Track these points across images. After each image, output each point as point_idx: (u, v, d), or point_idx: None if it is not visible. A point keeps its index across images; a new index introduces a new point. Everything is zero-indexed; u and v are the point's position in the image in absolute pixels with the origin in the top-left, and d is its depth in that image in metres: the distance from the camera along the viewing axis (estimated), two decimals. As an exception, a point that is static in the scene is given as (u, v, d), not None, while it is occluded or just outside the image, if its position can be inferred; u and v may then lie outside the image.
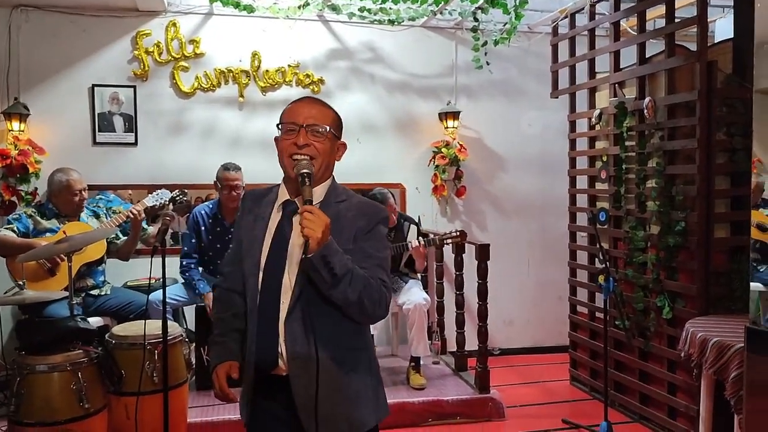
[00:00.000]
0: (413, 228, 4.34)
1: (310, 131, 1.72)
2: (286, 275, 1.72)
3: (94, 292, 3.95)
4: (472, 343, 4.29)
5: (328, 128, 1.75)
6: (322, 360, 1.66)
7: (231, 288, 1.89)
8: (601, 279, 3.47)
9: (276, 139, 1.82)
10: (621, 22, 4.15)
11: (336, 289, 1.63)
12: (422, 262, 4.26)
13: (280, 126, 1.78)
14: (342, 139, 1.84)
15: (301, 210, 1.59)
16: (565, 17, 4.63)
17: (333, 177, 1.85)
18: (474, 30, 4.83)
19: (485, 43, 4.85)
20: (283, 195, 1.81)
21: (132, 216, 3.85)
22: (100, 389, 2.78)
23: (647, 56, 3.85)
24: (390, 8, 4.77)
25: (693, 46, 3.49)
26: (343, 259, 1.63)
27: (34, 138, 4.49)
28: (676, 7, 3.66)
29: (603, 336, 3.70)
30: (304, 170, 1.68)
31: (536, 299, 5.48)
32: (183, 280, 4.14)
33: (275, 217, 1.79)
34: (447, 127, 5.13)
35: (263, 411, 1.80)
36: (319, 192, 1.77)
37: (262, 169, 4.79)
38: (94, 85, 4.64)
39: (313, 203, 1.66)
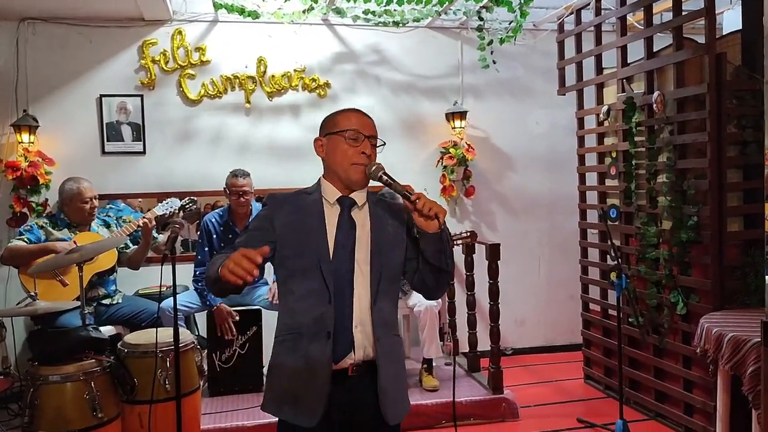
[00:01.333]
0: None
1: (370, 142, 1.89)
2: (356, 265, 1.83)
3: (106, 301, 3.96)
4: (484, 344, 4.27)
5: (381, 141, 1.94)
6: (393, 343, 1.88)
7: None
8: (613, 276, 3.44)
9: (318, 140, 1.94)
10: (627, 17, 4.12)
11: (448, 256, 1.83)
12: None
13: (336, 132, 1.88)
14: None
15: (414, 197, 1.75)
16: (571, 13, 4.61)
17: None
18: (479, 29, 4.81)
19: (491, 42, 4.83)
20: (333, 192, 1.90)
21: (143, 225, 3.87)
22: (113, 398, 2.79)
23: (655, 50, 3.82)
24: (394, 10, 4.77)
25: (701, 39, 3.45)
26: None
27: (44, 149, 4.52)
28: (683, -1, 3.63)
29: (616, 333, 3.66)
30: (381, 171, 1.86)
31: (548, 298, 5.45)
32: (194, 288, 4.14)
33: (331, 213, 1.88)
34: (454, 128, 5.12)
35: (327, 409, 1.78)
36: (362, 195, 1.93)
37: (271, 174, 4.83)
38: (101, 95, 4.67)
39: (360, 204, 1.90)
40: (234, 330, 3.94)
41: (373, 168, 1.85)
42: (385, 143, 1.94)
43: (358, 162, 1.85)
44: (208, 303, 3.99)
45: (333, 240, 1.84)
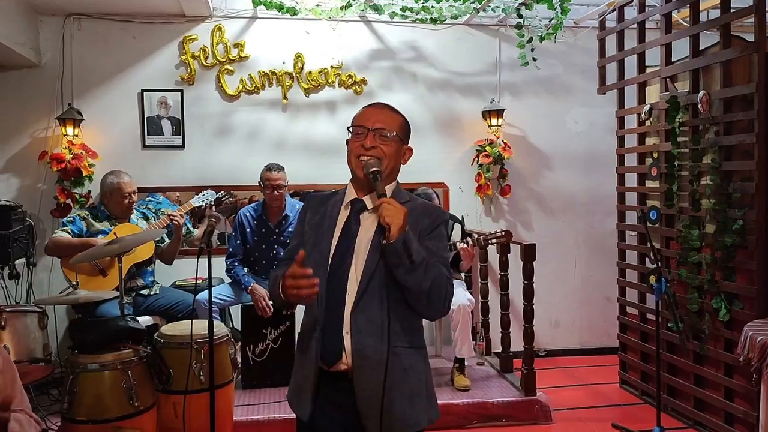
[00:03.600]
0: (457, 227, 4.29)
1: (378, 135, 1.81)
2: (352, 269, 1.78)
3: (144, 291, 4.05)
4: (517, 344, 4.22)
5: (394, 133, 1.83)
6: (385, 354, 1.71)
7: None
8: (652, 279, 3.36)
9: (347, 142, 1.90)
10: (672, 14, 4.01)
11: (412, 275, 1.69)
12: (469, 262, 4.19)
13: (350, 129, 1.86)
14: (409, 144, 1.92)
15: (379, 202, 1.69)
16: (613, 10, 4.50)
17: (397, 180, 1.92)
18: (518, 27, 4.75)
19: (530, 40, 4.76)
20: (351, 194, 1.88)
21: (174, 220, 3.95)
22: (149, 388, 2.84)
23: (701, 48, 3.71)
24: (432, 7, 4.73)
25: (750, 37, 3.34)
26: (419, 248, 1.71)
27: (87, 142, 4.64)
28: (731, -4, 3.51)
29: (655, 338, 3.58)
30: (373, 168, 1.77)
31: (583, 300, 5.36)
32: (229, 279, 4.20)
33: (343, 215, 1.86)
34: (491, 126, 5.06)
35: (322, 408, 1.80)
36: (386, 192, 1.83)
37: (306, 170, 4.86)
38: (143, 90, 4.76)
39: (370, 207, 1.81)
40: (271, 308, 3.95)
41: (369, 162, 1.78)
42: (395, 135, 1.82)
43: (358, 154, 1.81)
44: (243, 286, 4.05)
45: (335, 244, 1.82)
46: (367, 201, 1.84)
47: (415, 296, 1.74)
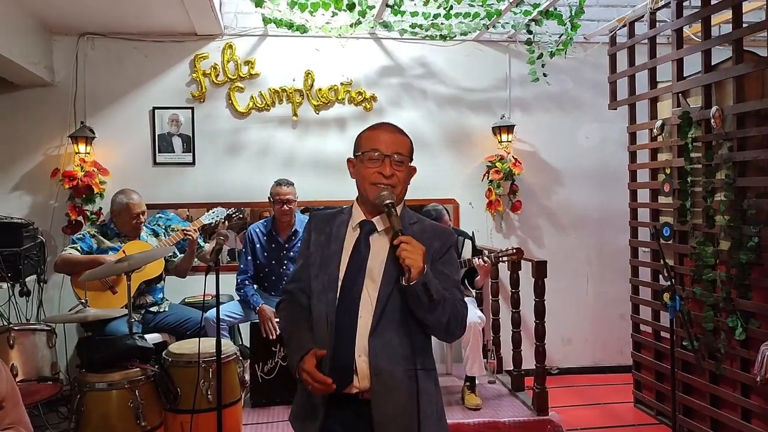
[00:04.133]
0: (468, 243, 4.25)
1: (394, 161, 1.79)
2: (365, 292, 1.77)
3: (153, 309, 4.04)
4: (529, 362, 4.15)
5: (407, 157, 1.84)
6: (401, 378, 1.73)
7: (298, 302, 1.91)
8: (666, 297, 3.30)
9: (349, 161, 1.89)
10: (684, 29, 3.99)
11: (432, 313, 1.71)
12: (485, 278, 4.15)
13: (360, 153, 1.83)
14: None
15: (397, 241, 1.66)
16: (624, 26, 4.48)
17: (404, 200, 1.90)
18: (528, 43, 4.74)
19: (540, 56, 4.75)
20: (359, 215, 1.86)
21: (188, 235, 3.95)
22: (157, 407, 2.83)
23: (713, 63, 3.68)
24: (441, 24, 4.73)
25: (762, 52, 3.31)
26: (438, 285, 1.71)
27: (99, 160, 4.67)
28: (743, 11, 3.48)
29: (670, 357, 3.51)
30: (388, 201, 1.75)
31: (595, 317, 5.29)
32: (238, 297, 4.19)
33: (351, 236, 1.84)
34: (501, 141, 5.04)
35: (330, 430, 1.79)
36: (402, 229, 1.81)
37: (316, 186, 4.86)
38: (154, 108, 4.80)
39: (381, 228, 1.81)
40: (277, 330, 3.93)
41: (383, 194, 1.76)
42: (413, 165, 1.86)
43: (376, 182, 1.79)
44: (251, 306, 4.02)
45: (345, 266, 1.80)
46: (377, 223, 1.83)
47: (433, 328, 1.77)
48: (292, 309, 1.92)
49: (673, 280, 3.39)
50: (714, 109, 3.51)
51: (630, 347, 4.51)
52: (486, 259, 3.92)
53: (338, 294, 1.78)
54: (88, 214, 4.61)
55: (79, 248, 3.87)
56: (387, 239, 1.80)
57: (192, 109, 4.84)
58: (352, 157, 1.89)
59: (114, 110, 4.79)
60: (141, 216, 3.99)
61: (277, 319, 3.94)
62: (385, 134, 1.83)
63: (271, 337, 3.92)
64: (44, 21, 4.47)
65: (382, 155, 1.79)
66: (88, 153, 4.60)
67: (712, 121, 3.52)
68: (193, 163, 4.85)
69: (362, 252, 1.81)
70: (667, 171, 4.01)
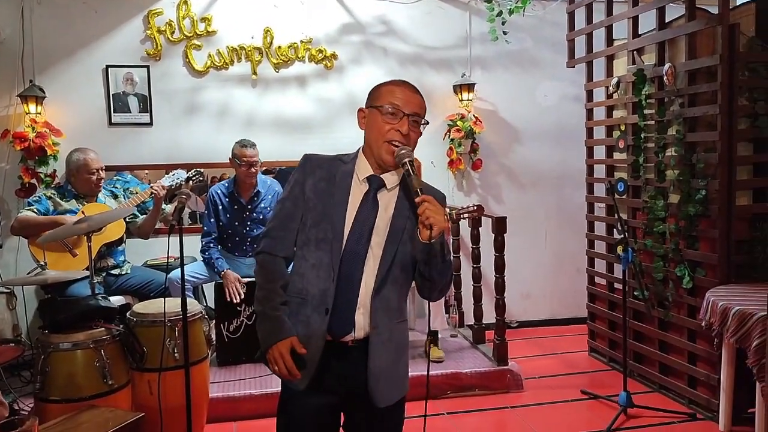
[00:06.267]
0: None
1: (412, 121, 1.78)
2: (371, 248, 1.78)
3: (115, 271, 4.00)
4: (489, 316, 4.29)
5: (424, 119, 1.83)
6: (393, 330, 1.83)
7: (278, 254, 1.87)
8: (619, 250, 3.44)
9: (361, 110, 1.86)
10: (639, -13, 4.05)
11: (444, 272, 1.78)
12: (447, 236, 4.22)
13: (378, 105, 1.79)
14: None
15: (419, 200, 1.66)
16: (582, -17, 4.52)
17: None
18: (488, 0, 4.73)
19: (500, 13, 4.76)
20: (366, 168, 1.83)
21: (155, 193, 3.90)
22: (123, 366, 2.83)
23: (667, 21, 3.76)
24: (402, -20, 4.69)
25: (714, 9, 3.39)
26: (448, 245, 1.77)
27: (51, 120, 4.52)
28: (696, -31, 3.55)
29: (622, 307, 3.68)
30: (407, 159, 1.74)
31: (553, 271, 5.46)
32: (202, 259, 4.17)
33: (358, 188, 1.82)
34: (462, 100, 5.07)
35: (321, 377, 1.81)
36: (395, 177, 1.84)
37: (277, 146, 4.82)
38: (107, 66, 4.64)
39: (390, 186, 1.82)
40: (241, 293, 3.96)
41: (402, 152, 1.75)
42: (428, 123, 1.86)
43: (392, 140, 1.76)
44: (216, 270, 4.02)
45: (352, 219, 1.79)
46: (387, 179, 1.82)
47: (432, 286, 1.79)
48: (271, 272, 1.85)
49: (626, 233, 3.52)
50: (667, 66, 3.60)
51: (585, 300, 4.69)
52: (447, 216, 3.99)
53: (343, 248, 1.77)
54: (42, 176, 4.48)
55: (35, 210, 3.79)
56: (393, 196, 1.82)
57: (147, 67, 4.70)
58: (364, 107, 1.85)
59: (64, 69, 4.61)
60: (100, 172, 3.91)
61: (243, 281, 3.97)
62: (408, 92, 1.80)
63: (235, 300, 3.95)
64: (-14, -26, 4.25)
65: (401, 112, 1.76)
66: (39, 113, 4.44)
67: (665, 78, 3.62)
68: (150, 124, 4.74)
69: (370, 208, 1.80)
70: (622, 128, 4.12)
